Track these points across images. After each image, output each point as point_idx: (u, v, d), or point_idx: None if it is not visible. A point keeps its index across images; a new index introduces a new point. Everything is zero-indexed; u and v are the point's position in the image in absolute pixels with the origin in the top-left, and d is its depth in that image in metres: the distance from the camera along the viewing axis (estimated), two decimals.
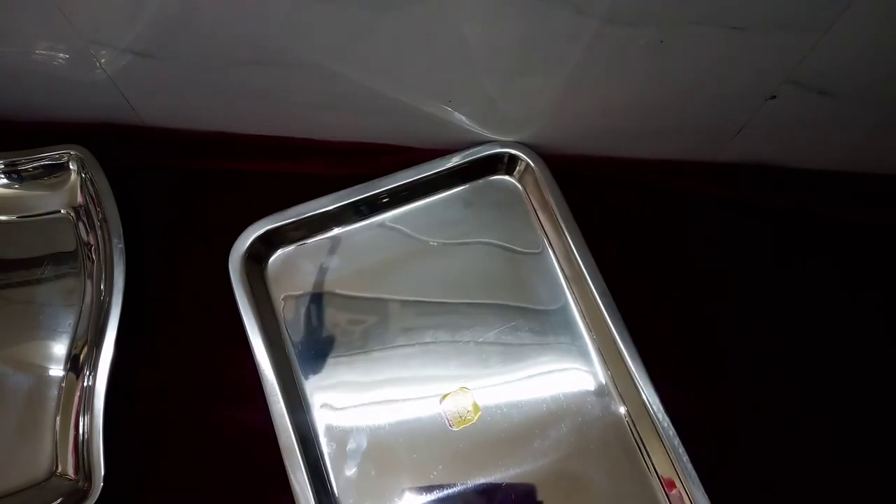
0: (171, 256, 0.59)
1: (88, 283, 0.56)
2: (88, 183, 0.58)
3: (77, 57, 0.53)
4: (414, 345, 0.55)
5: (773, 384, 0.56)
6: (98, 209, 0.57)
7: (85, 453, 0.50)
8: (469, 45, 0.50)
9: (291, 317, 0.56)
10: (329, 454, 0.52)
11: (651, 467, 0.52)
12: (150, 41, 0.51)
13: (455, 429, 0.53)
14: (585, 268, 0.55)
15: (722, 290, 0.59)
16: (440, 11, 0.46)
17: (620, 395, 0.54)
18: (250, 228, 0.56)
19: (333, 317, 0.56)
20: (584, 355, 0.55)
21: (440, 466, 0.52)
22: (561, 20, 0.46)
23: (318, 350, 0.55)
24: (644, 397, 0.51)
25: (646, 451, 0.52)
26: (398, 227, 0.59)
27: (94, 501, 0.48)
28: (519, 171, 0.60)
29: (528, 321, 0.56)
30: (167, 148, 0.63)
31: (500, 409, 0.53)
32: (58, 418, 0.52)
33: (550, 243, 0.59)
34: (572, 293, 0.57)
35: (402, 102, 0.56)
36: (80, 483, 0.50)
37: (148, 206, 0.60)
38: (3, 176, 0.59)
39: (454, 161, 0.59)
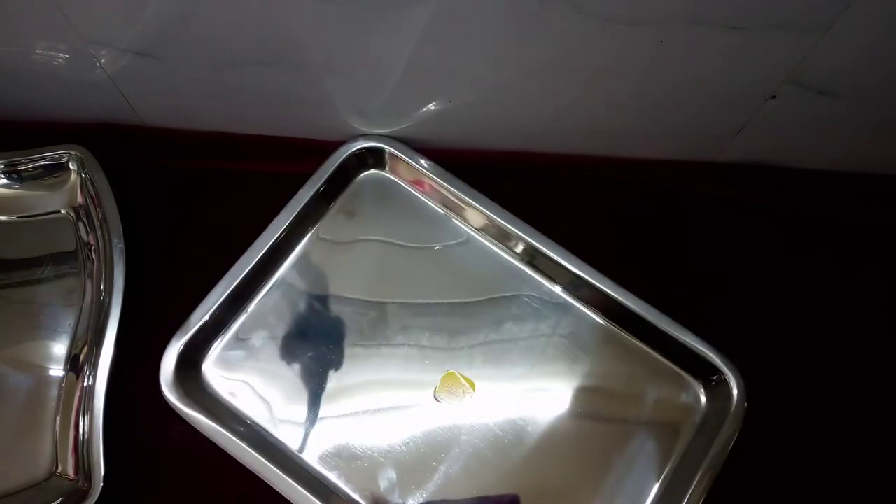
0: (171, 256, 0.59)
1: (88, 283, 0.56)
2: (88, 183, 0.58)
3: (77, 57, 0.53)
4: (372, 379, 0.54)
5: (773, 384, 0.56)
6: (98, 209, 0.57)
7: (85, 453, 0.50)
8: (470, 45, 0.50)
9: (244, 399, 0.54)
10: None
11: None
12: (150, 41, 0.51)
13: (457, 407, 0.53)
14: (526, 234, 0.56)
15: (722, 290, 0.59)
16: (441, 11, 0.46)
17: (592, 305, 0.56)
18: (169, 351, 0.52)
19: (267, 392, 0.54)
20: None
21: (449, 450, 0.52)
22: (561, 20, 0.46)
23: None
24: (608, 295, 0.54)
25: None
26: (292, 281, 0.57)
27: (94, 501, 0.48)
28: (387, 163, 0.60)
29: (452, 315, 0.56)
30: (167, 148, 0.63)
31: (495, 385, 0.54)
32: (58, 418, 0.52)
33: (478, 230, 0.59)
34: (527, 265, 0.58)
35: (401, 101, 0.56)
36: (80, 483, 0.50)
37: (148, 206, 0.60)
38: (3, 176, 0.59)
39: (317, 184, 0.58)
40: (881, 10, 0.44)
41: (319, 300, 0.57)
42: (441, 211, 0.60)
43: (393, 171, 0.61)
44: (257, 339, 0.55)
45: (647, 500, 0.51)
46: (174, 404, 0.51)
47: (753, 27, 0.46)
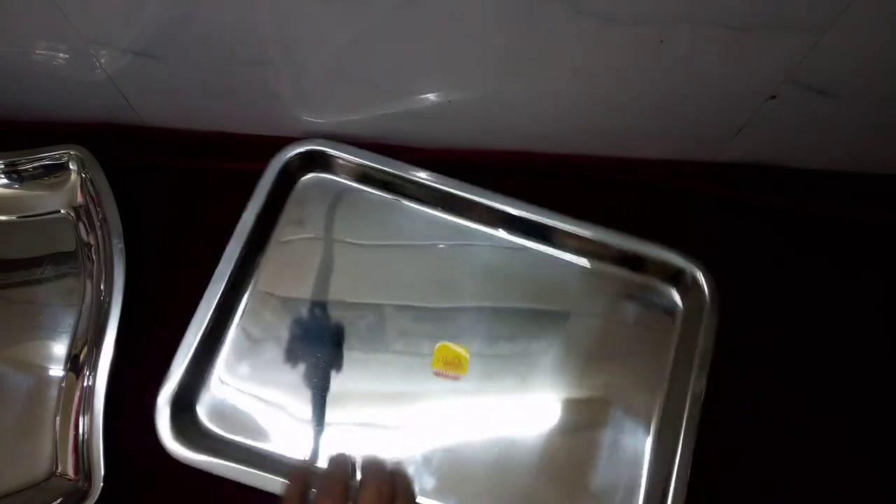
0: (171, 256, 0.59)
1: (88, 283, 0.56)
2: (88, 183, 0.58)
3: (77, 57, 0.53)
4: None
5: (773, 384, 0.56)
6: (98, 209, 0.57)
7: (85, 453, 0.50)
8: (470, 45, 0.50)
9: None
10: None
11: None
12: (150, 41, 0.51)
13: (454, 379, 0.54)
14: (476, 195, 0.58)
15: (722, 290, 0.58)
16: (441, 12, 0.46)
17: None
18: (161, 400, 0.51)
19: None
20: None
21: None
22: (561, 20, 0.46)
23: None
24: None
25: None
26: (267, 290, 0.56)
27: (94, 501, 0.48)
28: (329, 164, 0.60)
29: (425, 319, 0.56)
30: (167, 148, 0.63)
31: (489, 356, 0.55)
32: (58, 418, 0.52)
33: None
34: (486, 224, 0.59)
35: (402, 100, 0.56)
36: (80, 483, 0.50)
37: (148, 206, 0.60)
38: (3, 176, 0.59)
39: (259, 203, 0.56)
40: (881, 10, 0.44)
41: (297, 314, 0.56)
42: (390, 197, 0.60)
43: (334, 171, 0.60)
44: (244, 368, 0.54)
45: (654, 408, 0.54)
46: (180, 456, 0.49)
47: (753, 27, 0.46)
